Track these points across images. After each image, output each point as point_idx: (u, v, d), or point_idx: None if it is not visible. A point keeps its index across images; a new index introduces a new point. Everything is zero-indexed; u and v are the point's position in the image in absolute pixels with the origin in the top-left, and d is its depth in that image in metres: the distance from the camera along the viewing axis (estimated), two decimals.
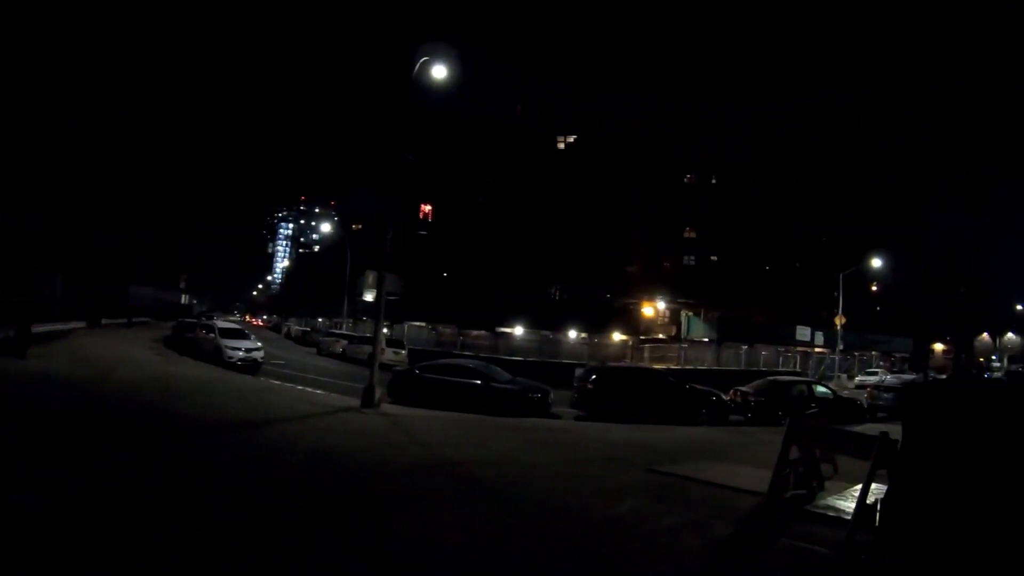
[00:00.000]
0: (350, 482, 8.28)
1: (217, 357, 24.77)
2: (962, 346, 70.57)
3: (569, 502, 7.90)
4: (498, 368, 20.39)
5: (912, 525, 6.34)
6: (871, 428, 17.54)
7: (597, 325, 49.23)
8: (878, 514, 7.00)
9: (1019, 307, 76.20)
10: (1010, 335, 76.14)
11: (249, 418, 12.66)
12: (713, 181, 66.47)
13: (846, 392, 25.85)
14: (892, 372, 45.07)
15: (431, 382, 18.47)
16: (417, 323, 49.59)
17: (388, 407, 16.36)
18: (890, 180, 65.08)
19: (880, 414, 23.10)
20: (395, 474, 8.87)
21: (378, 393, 16.05)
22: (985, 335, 74.79)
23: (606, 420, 17.52)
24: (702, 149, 61.31)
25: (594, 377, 19.53)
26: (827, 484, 8.98)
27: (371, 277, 18.15)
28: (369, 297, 18.46)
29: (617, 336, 49.12)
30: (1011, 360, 70.26)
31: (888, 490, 6.90)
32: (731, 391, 21.33)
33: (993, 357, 74.82)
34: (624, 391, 19.06)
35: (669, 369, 33.64)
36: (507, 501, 7.83)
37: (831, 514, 7.86)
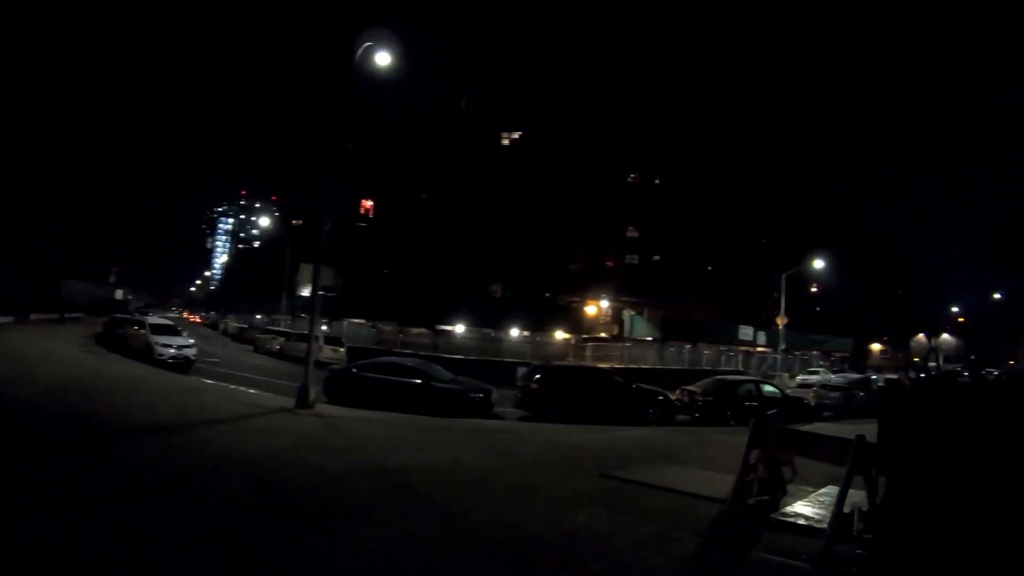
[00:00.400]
0: (274, 495, 7.36)
1: (148, 354, 23.52)
2: (899, 346, 72.53)
3: (520, 515, 7.18)
4: (439, 367, 19.54)
5: (915, 535, 5.77)
6: (821, 428, 17.43)
7: (539, 323, 48.67)
8: (858, 523, 6.48)
9: (955, 309, 78.96)
10: (945, 336, 78.66)
11: (171, 421, 11.60)
12: (657, 181, 66.68)
13: (790, 391, 25.76)
14: (832, 371, 45.77)
15: (369, 381, 17.56)
16: (357, 320, 48.20)
17: (324, 408, 15.45)
18: (830, 183, 66.38)
19: (826, 413, 23.08)
20: (327, 484, 7.97)
21: (313, 393, 15.10)
22: (921, 336, 76.93)
23: (552, 421, 16.95)
24: (647, 148, 61.50)
25: (539, 376, 18.87)
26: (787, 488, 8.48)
27: (306, 270, 17.08)
28: (305, 292, 17.40)
29: (559, 335, 48.66)
30: (946, 360, 72.33)
31: (885, 497, 6.32)
32: (678, 390, 20.98)
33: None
34: (570, 391, 18.48)
35: (613, 368, 33.39)
36: (453, 515, 7.07)
37: (801, 522, 7.35)
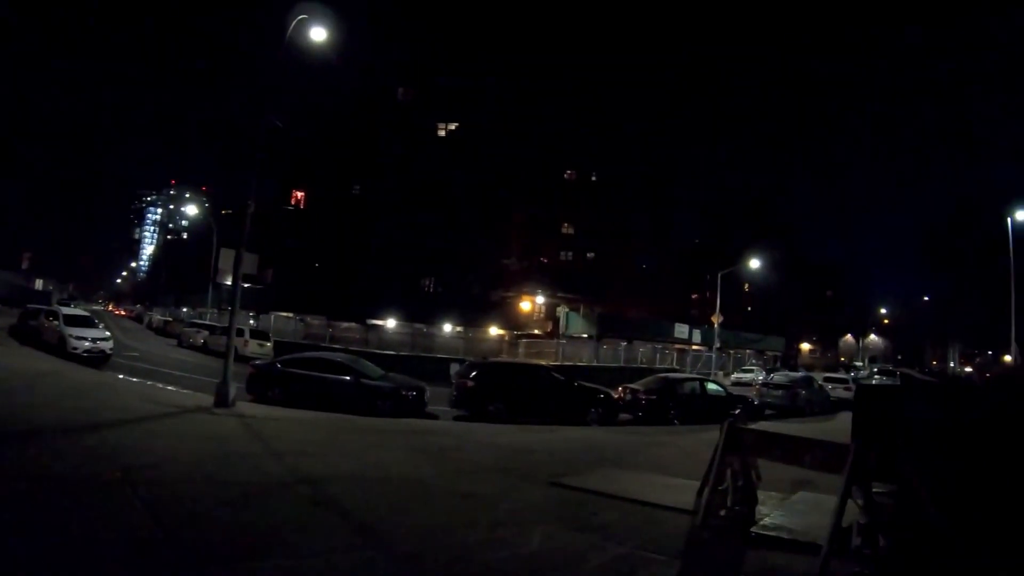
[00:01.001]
0: (166, 518, 5.92)
1: (61, 347, 21.69)
2: (828, 346, 74.33)
3: (465, 536, 6.10)
4: (369, 363, 18.26)
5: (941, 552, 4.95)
6: (766, 426, 16.94)
7: (473, 319, 47.58)
8: (857, 538, 5.66)
9: (882, 311, 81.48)
10: (872, 337, 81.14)
11: (72, 422, 9.96)
12: (593, 178, 66.46)
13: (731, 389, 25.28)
14: (766, 370, 46.16)
15: (295, 378, 16.16)
16: (285, 314, 46.12)
17: (245, 406, 14.06)
18: (764, 185, 67.52)
19: (768, 412, 22.70)
20: (235, 502, 6.61)
21: (234, 391, 13.68)
22: (849, 336, 79.20)
23: (489, 420, 16.02)
24: (585, 144, 61.09)
25: (475, 374, 17.77)
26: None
27: (227, 256, 15.55)
28: (227, 280, 15.88)
29: (493, 331, 47.74)
30: (871, 360, 74.63)
31: (897, 511, 5.48)
32: (620, 388, 20.24)
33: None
34: (508, 389, 17.43)
35: (551, 366, 32.65)
36: (385, 539, 5.92)
37: (785, 536, 6.47)
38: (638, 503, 7.84)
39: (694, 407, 19.24)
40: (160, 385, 17.29)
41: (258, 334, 33.50)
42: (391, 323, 45.26)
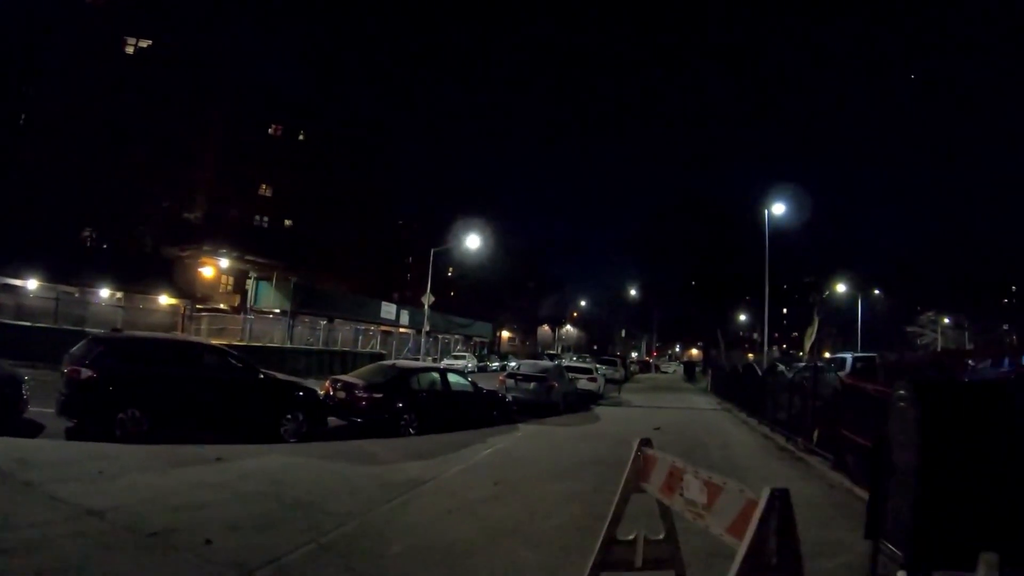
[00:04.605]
0: None
1: None
2: (528, 334, 74.97)
3: None
4: None
5: None
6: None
7: (141, 283, 37.72)
8: None
9: (583, 303, 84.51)
10: (568, 327, 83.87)
11: None
12: (301, 137, 58.97)
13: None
14: (476, 356, 43.29)
15: None
16: None
17: None
18: (479, 169, 65.95)
19: (513, 407, 18.01)
20: None
21: None
22: (546, 326, 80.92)
23: (120, 438, 9.76)
24: (296, 99, 53.49)
25: (100, 354, 10.71)
26: None
27: None
28: None
29: (165, 300, 38.67)
30: (564, 350, 76.72)
31: None
32: (328, 381, 14.43)
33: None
34: (152, 384, 10.61)
35: (232, 347, 25.87)
36: None
37: None
38: None
39: (436, 408, 14.21)
40: None
41: None
42: (32, 284, 34.18)
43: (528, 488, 8.64)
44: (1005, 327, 63.34)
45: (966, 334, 58.70)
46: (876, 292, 56.67)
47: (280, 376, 12.74)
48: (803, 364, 20.44)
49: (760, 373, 20.29)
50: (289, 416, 11.79)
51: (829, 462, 11.19)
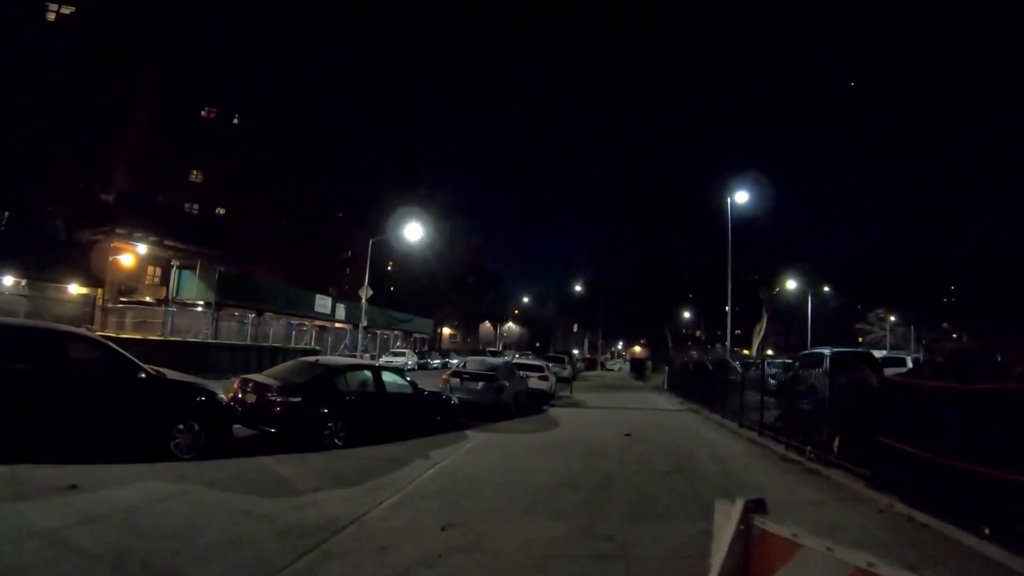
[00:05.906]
0: None
1: None
2: (469, 331, 73.58)
3: None
4: None
5: None
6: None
7: (50, 271, 34.43)
8: None
9: (525, 299, 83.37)
10: (510, 324, 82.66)
11: None
12: (236, 121, 55.94)
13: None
14: (418, 353, 41.33)
15: None
16: None
17: None
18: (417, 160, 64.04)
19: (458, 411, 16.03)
20: None
21: None
22: (488, 323, 79.56)
23: None
24: (234, 78, 50.45)
25: None
26: None
27: None
28: None
29: (77, 289, 35.54)
30: (506, 347, 75.47)
31: None
32: (236, 382, 12.11)
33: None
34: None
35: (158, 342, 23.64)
36: None
37: None
38: None
39: (367, 414, 12.12)
40: None
41: None
42: None
43: (490, 534, 6.37)
44: (944, 325, 65.09)
45: (912, 331, 59.77)
46: (826, 289, 56.97)
47: (172, 375, 10.25)
48: (753, 360, 20.78)
49: (740, 370, 18.70)
50: (182, 426, 9.49)
51: (864, 478, 9.38)
